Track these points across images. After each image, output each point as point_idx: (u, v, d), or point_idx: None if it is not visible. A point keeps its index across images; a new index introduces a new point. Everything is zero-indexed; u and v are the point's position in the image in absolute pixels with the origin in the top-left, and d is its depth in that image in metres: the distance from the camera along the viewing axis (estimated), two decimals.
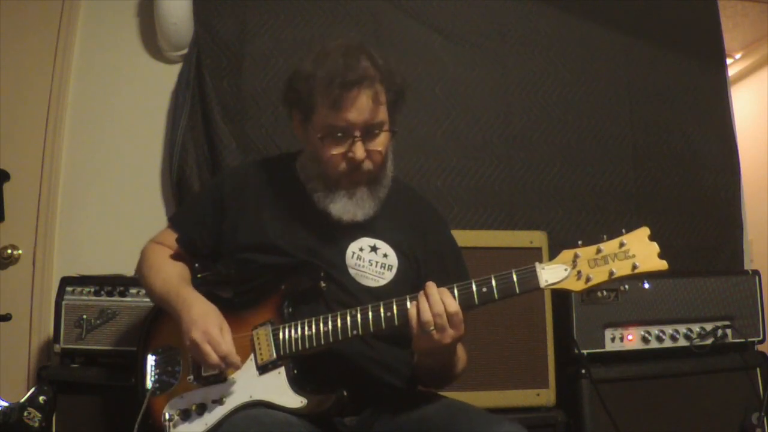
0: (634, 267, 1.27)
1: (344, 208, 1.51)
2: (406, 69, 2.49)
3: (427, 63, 2.59)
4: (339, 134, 1.48)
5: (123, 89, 2.54)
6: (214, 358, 1.39)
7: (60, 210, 2.44)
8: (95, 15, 2.57)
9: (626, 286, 1.33)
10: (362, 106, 1.46)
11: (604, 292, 1.34)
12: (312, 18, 2.53)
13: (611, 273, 1.28)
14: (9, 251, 2.36)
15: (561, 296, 2.11)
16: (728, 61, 3.32)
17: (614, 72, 2.74)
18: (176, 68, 2.52)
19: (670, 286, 2.17)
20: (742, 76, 4.16)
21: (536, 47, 2.69)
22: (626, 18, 2.78)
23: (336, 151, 1.48)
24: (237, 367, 1.42)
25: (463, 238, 1.86)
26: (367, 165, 1.50)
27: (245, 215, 1.59)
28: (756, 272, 2.27)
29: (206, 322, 1.42)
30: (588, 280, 1.29)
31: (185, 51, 2.50)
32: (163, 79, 2.54)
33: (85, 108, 2.51)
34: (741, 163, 2.80)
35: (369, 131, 1.49)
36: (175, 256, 1.64)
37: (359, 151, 1.47)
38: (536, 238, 2.13)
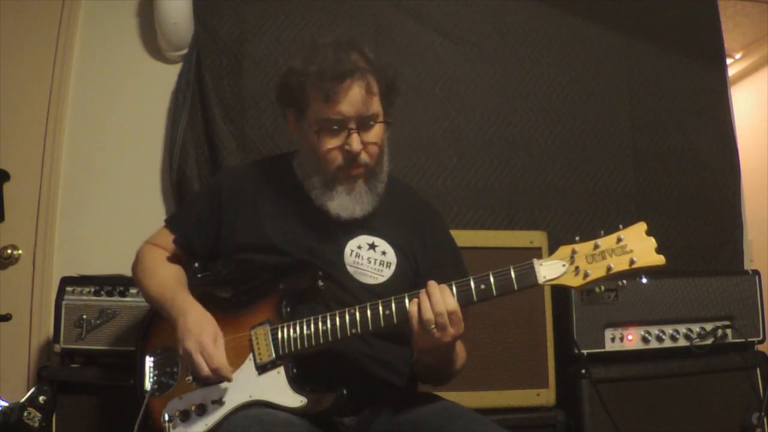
0: (632, 262, 1.26)
1: (342, 204, 1.51)
2: (406, 69, 2.50)
3: (427, 63, 2.59)
4: (334, 127, 1.48)
5: (123, 89, 2.54)
6: (205, 370, 1.39)
7: (60, 210, 2.43)
8: (95, 15, 2.56)
9: (624, 282, 1.33)
10: (355, 98, 1.46)
11: (603, 288, 1.33)
12: (312, 18, 2.53)
13: (609, 268, 1.27)
14: (9, 251, 2.36)
15: (561, 296, 2.11)
16: (728, 61, 3.31)
17: (614, 72, 2.74)
18: (176, 68, 2.52)
19: (670, 286, 2.18)
20: (742, 76, 4.16)
21: (536, 47, 2.69)
22: (626, 18, 2.78)
23: (332, 144, 1.49)
24: (228, 380, 1.42)
25: (463, 238, 1.86)
26: (364, 158, 1.50)
27: (243, 215, 1.59)
28: (756, 272, 2.27)
29: (201, 332, 1.42)
30: (586, 275, 1.28)
31: (185, 51, 2.50)
32: (163, 79, 2.54)
33: (85, 108, 2.51)
34: (741, 163, 2.79)
35: (364, 123, 1.49)
36: (171, 258, 1.64)
37: (355, 142, 1.47)
38: (536, 238, 2.13)
